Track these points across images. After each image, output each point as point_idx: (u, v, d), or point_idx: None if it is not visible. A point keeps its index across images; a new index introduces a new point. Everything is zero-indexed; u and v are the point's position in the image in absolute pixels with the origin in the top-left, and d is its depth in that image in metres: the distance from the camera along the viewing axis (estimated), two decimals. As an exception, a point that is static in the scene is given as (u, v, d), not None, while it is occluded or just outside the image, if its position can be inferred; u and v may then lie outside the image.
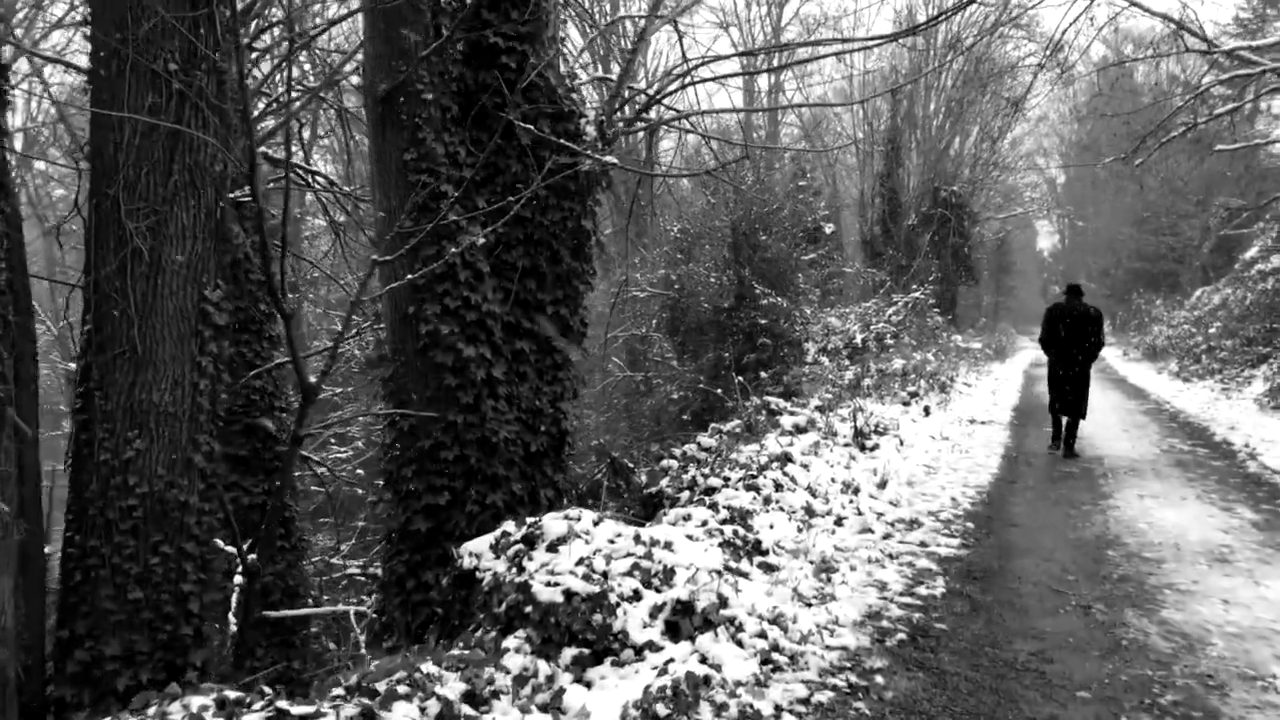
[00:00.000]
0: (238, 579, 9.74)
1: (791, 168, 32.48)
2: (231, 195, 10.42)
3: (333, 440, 23.75)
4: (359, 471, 22.05)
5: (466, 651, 4.09)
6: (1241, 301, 25.52)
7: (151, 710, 3.18)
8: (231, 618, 9.06)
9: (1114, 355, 36.02)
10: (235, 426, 11.47)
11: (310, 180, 15.79)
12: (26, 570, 5.97)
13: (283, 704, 3.07)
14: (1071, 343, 12.06)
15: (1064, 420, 12.58)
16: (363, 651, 11.51)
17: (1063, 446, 12.43)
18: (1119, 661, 5.23)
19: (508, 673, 4.10)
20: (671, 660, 4.64)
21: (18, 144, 19.78)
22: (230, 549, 11.20)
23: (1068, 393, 12.21)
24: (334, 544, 18.56)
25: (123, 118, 5.80)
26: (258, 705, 3.15)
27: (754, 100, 34.41)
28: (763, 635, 4.98)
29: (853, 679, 4.83)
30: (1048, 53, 18.93)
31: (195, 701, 3.17)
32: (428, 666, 3.81)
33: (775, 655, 4.85)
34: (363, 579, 15.24)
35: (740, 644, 4.89)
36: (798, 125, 37.89)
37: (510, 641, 4.46)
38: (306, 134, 25.94)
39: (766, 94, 35.18)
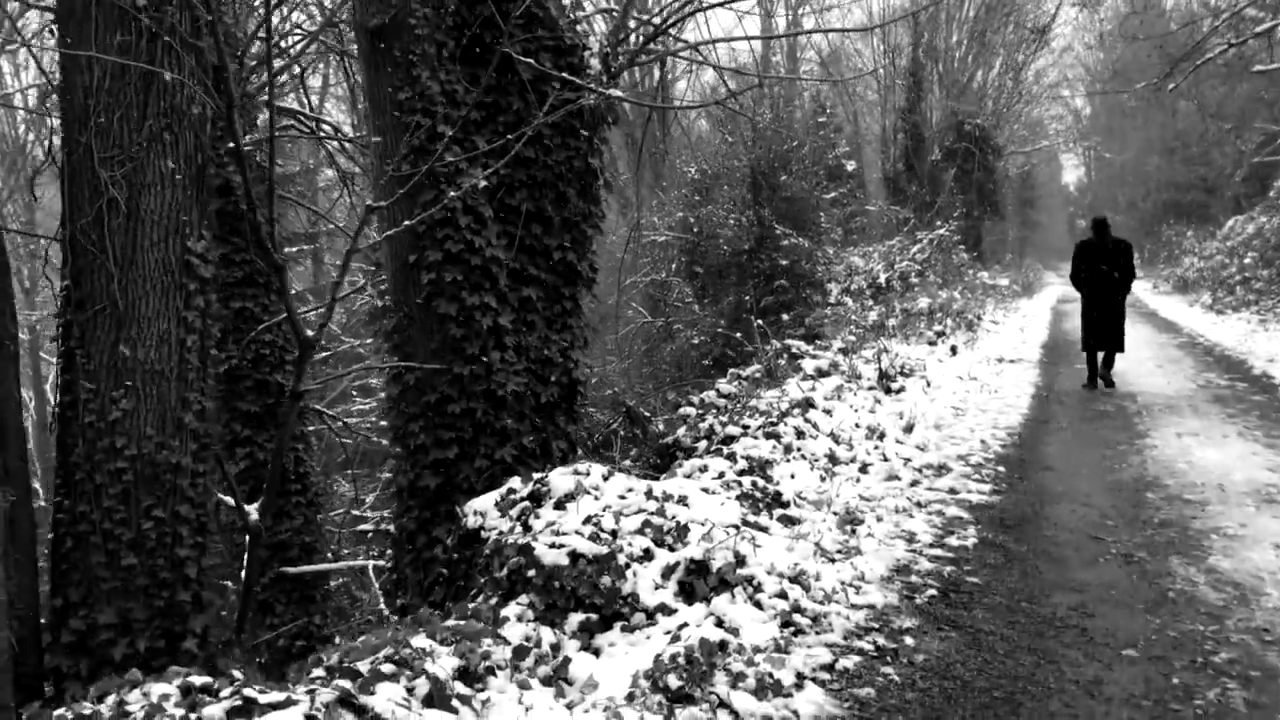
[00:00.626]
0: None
1: (811, 105, 31.72)
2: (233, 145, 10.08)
3: (354, 392, 23.58)
4: (382, 423, 21.89)
5: (462, 622, 3.80)
6: (1279, 230, 24.75)
7: (110, 699, 2.91)
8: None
9: (1143, 288, 35.25)
10: (246, 382, 11.23)
11: (315, 128, 15.39)
12: (15, 537, 5.74)
13: (251, 692, 2.78)
14: (1103, 276, 11.89)
15: (1100, 355, 12.37)
16: (381, 607, 11.37)
17: (1100, 380, 12.23)
18: (1166, 615, 4.88)
19: (507, 644, 3.81)
20: (685, 624, 4.34)
21: None
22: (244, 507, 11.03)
23: (1103, 327, 11.99)
24: (354, 497, 18.42)
25: (91, 59, 5.43)
26: (225, 693, 2.87)
27: (769, 43, 33.50)
28: (783, 595, 4.67)
29: (880, 641, 4.51)
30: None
31: (156, 690, 2.89)
32: (419, 640, 3.52)
33: (796, 617, 4.54)
34: (381, 533, 15.08)
35: (759, 605, 4.58)
36: (817, 62, 36.96)
37: (511, 609, 4.17)
38: (317, 82, 25.44)
39: (784, 29, 34.24)
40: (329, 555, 13.75)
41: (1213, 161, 41.44)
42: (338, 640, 12.41)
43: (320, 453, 17.99)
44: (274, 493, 10.83)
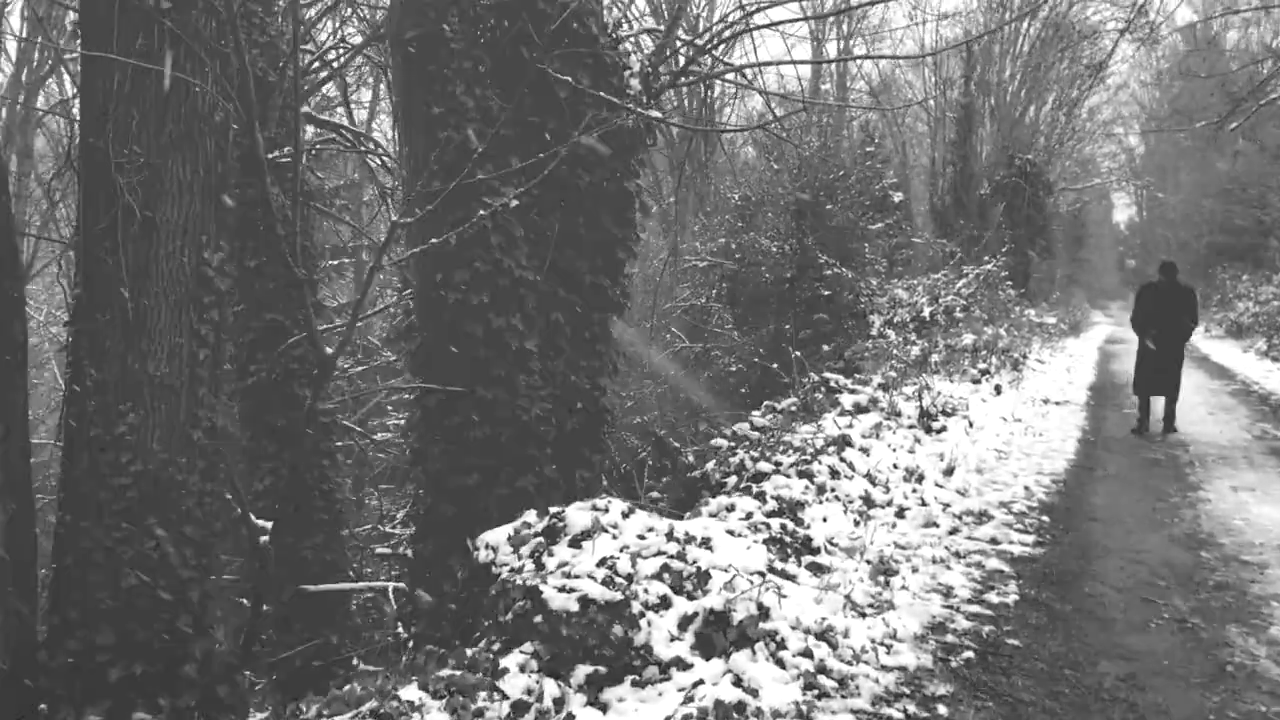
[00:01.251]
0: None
1: (860, 135, 31.37)
2: (271, 156, 9.97)
3: (389, 406, 23.46)
4: (420, 434, 21.61)
5: (458, 672, 3.52)
6: (1338, 277, 23.99)
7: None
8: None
9: (1195, 333, 34.40)
10: (275, 397, 11.07)
11: (356, 142, 15.34)
12: (13, 551, 5.55)
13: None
14: (1166, 321, 11.74)
15: (1152, 401, 12.16)
16: (399, 630, 11.11)
17: (1163, 425, 12.01)
18: (1225, 692, 4.49)
19: (506, 698, 3.52)
20: (701, 682, 4.03)
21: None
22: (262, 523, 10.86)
23: (1162, 372, 11.83)
24: (382, 514, 18.23)
25: (112, 62, 5.27)
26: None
27: (820, 69, 33.26)
28: (808, 653, 4.34)
29: (911, 709, 4.16)
30: (1132, 15, 17.76)
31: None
32: (408, 692, 3.25)
33: (821, 678, 4.20)
34: (399, 556, 14.85)
35: (781, 663, 4.26)
36: (866, 92, 36.63)
37: (513, 658, 3.88)
38: (367, 96, 25.44)
39: (834, 58, 33.99)
40: (351, 573, 13.54)
41: (1269, 205, 40.48)
42: (355, 662, 12.16)
43: (352, 468, 17.84)
44: (298, 511, 10.67)
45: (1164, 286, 11.78)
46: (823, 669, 4.29)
